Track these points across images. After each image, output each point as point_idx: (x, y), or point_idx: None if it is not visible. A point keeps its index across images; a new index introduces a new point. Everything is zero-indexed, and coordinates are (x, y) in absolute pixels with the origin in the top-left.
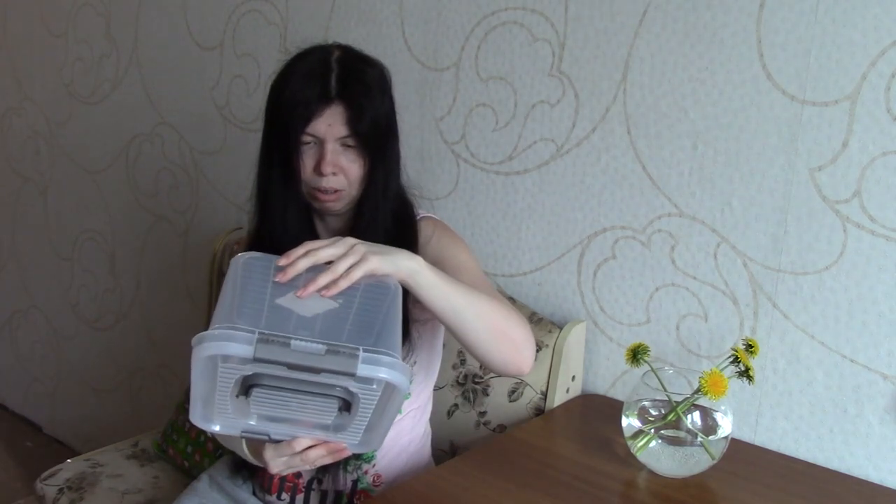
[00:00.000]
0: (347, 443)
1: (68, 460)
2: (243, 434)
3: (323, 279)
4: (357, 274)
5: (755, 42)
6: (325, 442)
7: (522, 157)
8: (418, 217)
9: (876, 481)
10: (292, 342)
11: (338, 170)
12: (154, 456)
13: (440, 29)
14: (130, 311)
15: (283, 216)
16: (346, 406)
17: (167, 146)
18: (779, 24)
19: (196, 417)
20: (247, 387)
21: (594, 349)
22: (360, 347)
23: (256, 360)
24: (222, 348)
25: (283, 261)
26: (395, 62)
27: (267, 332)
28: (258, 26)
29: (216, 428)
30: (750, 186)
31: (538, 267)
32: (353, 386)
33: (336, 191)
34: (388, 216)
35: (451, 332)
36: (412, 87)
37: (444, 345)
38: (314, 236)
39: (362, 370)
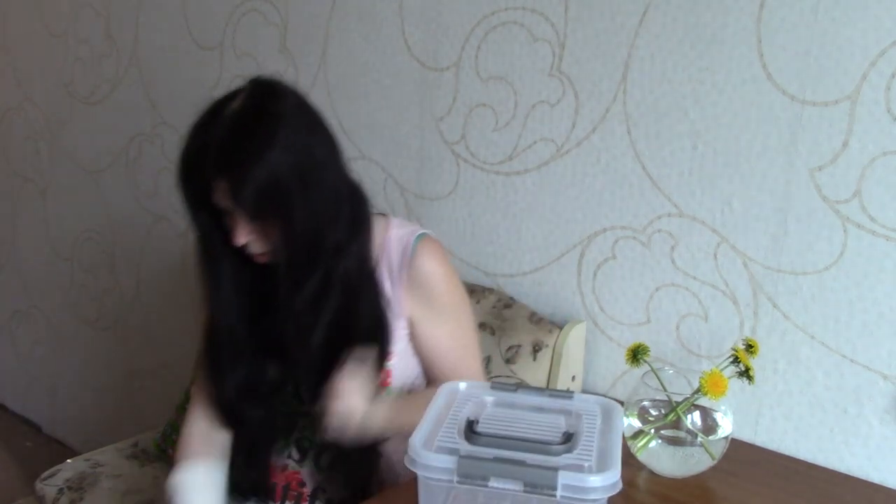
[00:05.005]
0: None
1: (68, 460)
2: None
3: None
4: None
5: (755, 42)
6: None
7: (522, 157)
8: (417, 234)
9: (876, 481)
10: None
11: (251, 238)
12: (154, 456)
13: (440, 29)
14: (130, 311)
15: (236, 279)
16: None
17: (167, 146)
18: (779, 24)
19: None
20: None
21: (594, 349)
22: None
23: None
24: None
25: None
26: (395, 62)
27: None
28: (258, 26)
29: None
30: (750, 186)
31: (538, 267)
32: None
33: (262, 253)
34: (321, 272)
35: None
36: (412, 87)
37: None
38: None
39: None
